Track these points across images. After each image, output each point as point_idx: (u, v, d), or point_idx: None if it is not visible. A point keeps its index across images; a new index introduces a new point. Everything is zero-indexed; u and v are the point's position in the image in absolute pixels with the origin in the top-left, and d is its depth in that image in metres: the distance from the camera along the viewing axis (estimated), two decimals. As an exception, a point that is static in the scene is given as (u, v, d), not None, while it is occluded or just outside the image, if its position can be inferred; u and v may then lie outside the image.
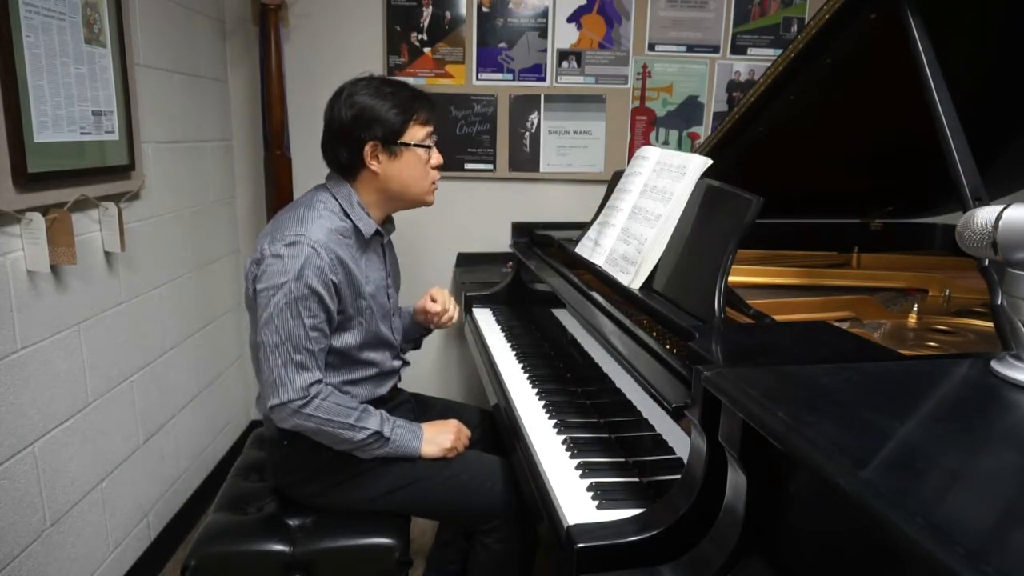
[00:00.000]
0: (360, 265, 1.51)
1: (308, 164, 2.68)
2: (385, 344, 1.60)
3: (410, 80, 2.77)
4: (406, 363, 1.72)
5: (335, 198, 1.51)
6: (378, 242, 1.60)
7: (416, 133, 1.51)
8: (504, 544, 1.52)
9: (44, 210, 1.53)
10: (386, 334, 1.59)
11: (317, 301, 1.39)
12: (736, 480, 0.89)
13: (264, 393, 1.44)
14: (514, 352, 1.88)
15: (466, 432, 1.59)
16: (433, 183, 1.57)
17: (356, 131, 1.47)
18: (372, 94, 1.48)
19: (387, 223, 1.63)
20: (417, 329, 1.82)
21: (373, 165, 1.49)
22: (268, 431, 1.58)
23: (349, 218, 1.50)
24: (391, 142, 1.48)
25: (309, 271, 1.38)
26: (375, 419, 1.46)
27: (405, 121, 1.49)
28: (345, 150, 1.50)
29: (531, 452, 1.33)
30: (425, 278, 2.83)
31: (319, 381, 1.41)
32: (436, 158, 1.55)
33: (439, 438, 1.53)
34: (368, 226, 1.52)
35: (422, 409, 1.78)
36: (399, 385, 1.73)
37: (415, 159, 1.51)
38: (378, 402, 1.59)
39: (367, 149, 1.48)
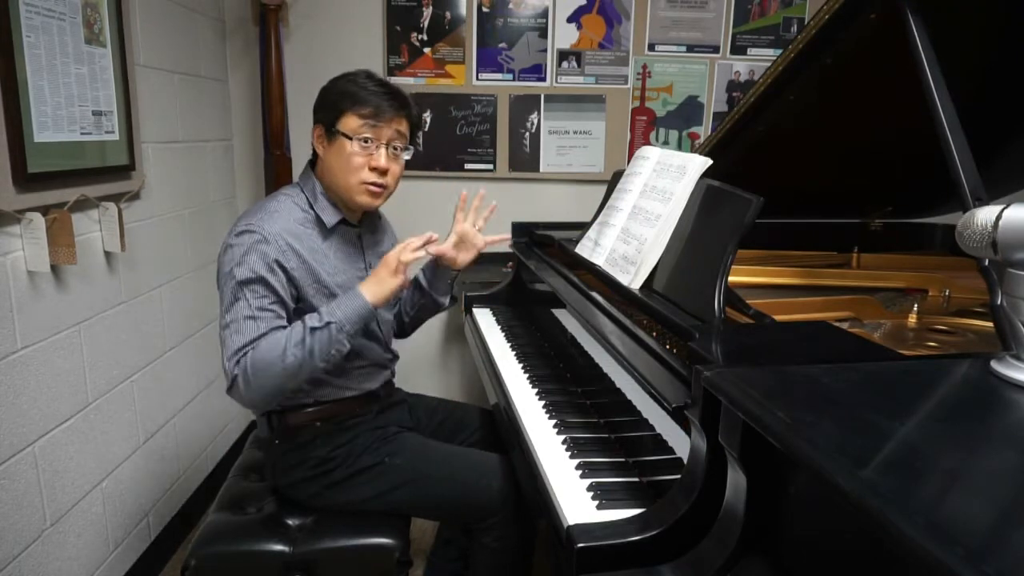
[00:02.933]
0: (327, 255, 1.50)
1: (308, 164, 2.69)
2: (367, 335, 1.57)
3: (410, 80, 2.79)
4: (395, 356, 1.71)
5: (302, 191, 1.53)
6: (350, 232, 1.58)
7: (351, 123, 1.45)
8: (502, 542, 1.52)
9: (44, 210, 1.53)
10: (373, 323, 1.57)
11: (262, 284, 1.38)
12: (736, 480, 0.89)
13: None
14: (514, 352, 1.88)
15: (405, 245, 1.44)
16: (365, 183, 1.48)
17: (314, 112, 1.52)
18: (345, 81, 1.49)
19: (366, 217, 1.62)
20: (441, 277, 1.72)
21: (319, 148, 1.52)
22: (260, 431, 1.59)
23: (312, 209, 1.51)
24: (329, 127, 1.48)
25: (253, 256, 1.38)
26: (298, 328, 1.36)
27: (343, 109, 1.46)
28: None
29: (531, 452, 1.33)
30: (425, 278, 2.83)
31: (247, 345, 1.36)
32: (376, 160, 1.47)
33: (379, 277, 1.43)
34: (331, 216, 1.52)
35: (423, 410, 1.78)
36: (396, 385, 1.73)
37: (343, 149, 1.47)
38: (371, 399, 1.59)
39: (314, 132, 1.51)
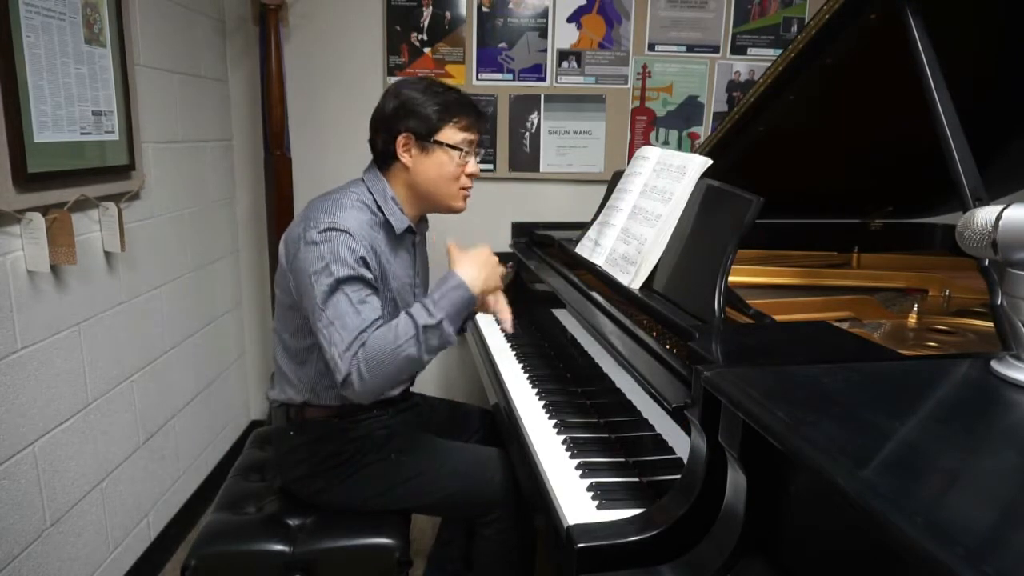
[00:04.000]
0: (390, 259, 1.51)
1: (308, 164, 2.69)
2: None
3: (410, 80, 2.79)
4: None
5: (370, 191, 1.52)
6: (409, 240, 1.59)
7: (452, 134, 1.49)
8: (505, 534, 1.52)
9: (44, 210, 1.53)
10: None
11: (360, 280, 1.39)
12: (736, 480, 0.89)
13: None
14: (514, 352, 1.88)
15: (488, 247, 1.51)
16: (463, 190, 1.55)
17: (395, 121, 1.49)
18: (420, 90, 1.50)
19: (421, 222, 1.63)
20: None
21: (405, 158, 1.50)
22: (276, 422, 1.59)
23: (381, 212, 1.51)
24: (425, 138, 1.48)
25: (346, 254, 1.38)
26: (408, 323, 1.36)
27: (442, 120, 1.48)
28: (382, 139, 1.51)
29: (531, 452, 1.33)
30: (425, 278, 2.83)
31: (356, 339, 1.36)
32: (472, 167, 1.54)
33: (484, 264, 1.46)
34: (400, 222, 1.52)
35: (424, 410, 1.79)
36: (411, 388, 1.73)
37: (446, 159, 1.50)
38: (388, 404, 1.59)
39: (400, 140, 1.49)
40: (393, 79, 2.77)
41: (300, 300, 1.42)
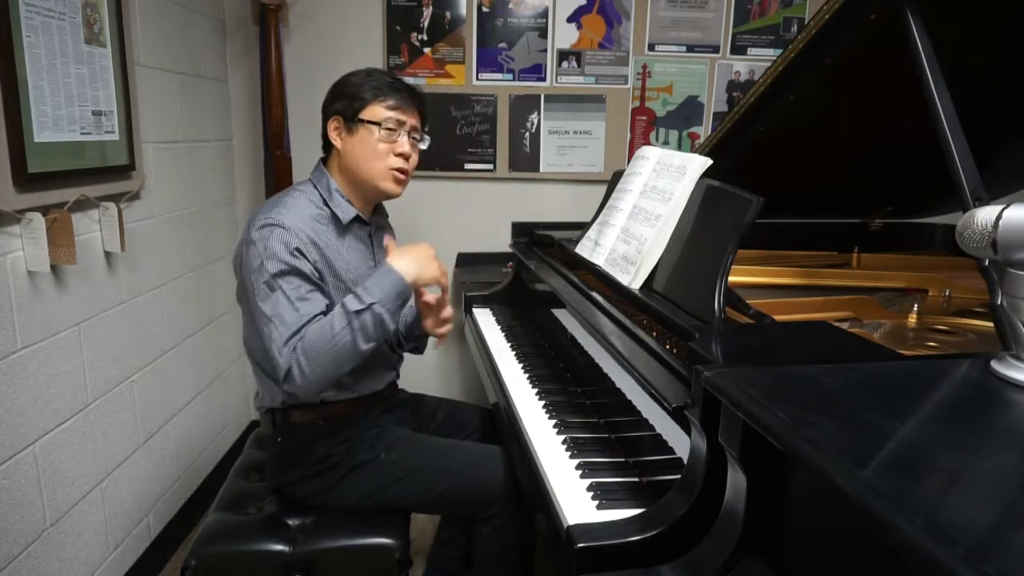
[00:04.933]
0: (340, 251, 1.51)
1: (308, 164, 2.67)
2: None
3: (410, 80, 2.78)
4: (400, 357, 1.71)
5: (315, 187, 1.54)
6: (363, 231, 1.59)
7: (376, 111, 1.50)
8: (504, 531, 1.52)
9: (44, 210, 1.53)
10: None
11: (296, 274, 1.40)
12: (736, 480, 0.89)
13: (268, 381, 1.47)
14: (514, 352, 1.88)
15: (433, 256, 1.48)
16: (392, 169, 1.52)
17: (327, 105, 1.53)
18: (361, 75, 1.52)
19: (375, 213, 1.64)
20: (419, 327, 1.76)
21: (336, 141, 1.53)
22: (264, 429, 1.59)
23: (327, 206, 1.52)
24: (350, 118, 1.50)
25: (279, 248, 1.39)
26: (340, 313, 1.36)
27: (366, 99, 1.50)
28: (323, 128, 1.55)
29: (531, 452, 1.33)
30: (425, 278, 2.83)
31: (294, 335, 1.37)
32: (401, 146, 1.52)
33: (417, 255, 1.45)
34: (346, 212, 1.53)
35: (424, 410, 1.79)
36: (400, 385, 1.73)
37: (368, 136, 1.50)
38: (376, 399, 1.59)
39: (331, 124, 1.52)
40: (393, 79, 2.78)
41: (247, 301, 1.44)
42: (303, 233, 1.43)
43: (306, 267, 1.41)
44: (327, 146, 1.57)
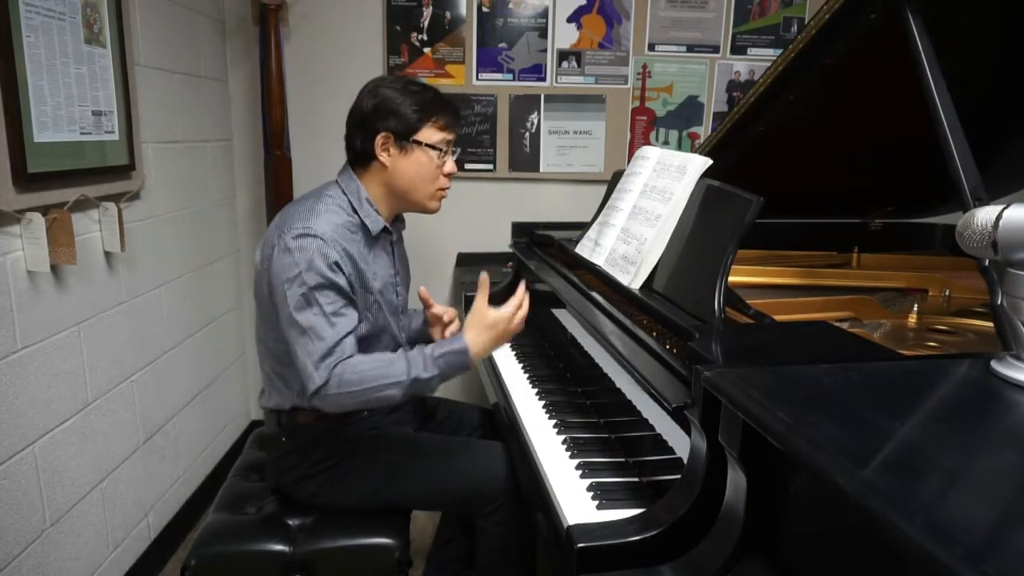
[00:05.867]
0: (368, 260, 1.51)
1: (308, 164, 2.69)
2: (392, 340, 1.60)
3: (410, 80, 2.79)
4: None
5: (344, 193, 1.52)
6: (387, 239, 1.59)
7: (431, 134, 1.49)
8: (505, 526, 1.52)
9: (44, 210, 1.53)
10: (394, 330, 1.59)
11: (333, 288, 1.39)
12: (736, 480, 0.89)
13: (281, 388, 1.48)
14: (514, 352, 1.88)
15: (511, 316, 1.45)
16: (440, 190, 1.55)
17: (373, 120, 1.48)
18: (398, 89, 1.49)
19: (397, 221, 1.63)
20: (425, 334, 1.77)
21: (383, 157, 1.49)
22: (268, 428, 1.59)
23: (357, 214, 1.50)
24: (404, 137, 1.48)
25: (319, 261, 1.38)
26: (402, 368, 1.38)
27: (422, 119, 1.48)
28: (359, 138, 1.51)
29: (531, 452, 1.33)
30: (425, 278, 2.83)
31: (341, 360, 1.38)
32: (450, 166, 1.54)
33: (495, 333, 1.44)
34: (376, 223, 1.52)
35: (423, 409, 1.79)
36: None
37: (425, 159, 1.50)
38: None
39: (379, 139, 1.48)
40: (393, 79, 2.78)
41: (275, 307, 1.43)
42: (339, 245, 1.42)
43: (343, 281, 1.41)
44: (362, 154, 1.52)
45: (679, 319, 1.18)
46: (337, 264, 1.40)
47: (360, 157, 1.52)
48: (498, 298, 2.30)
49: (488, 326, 1.44)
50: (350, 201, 1.51)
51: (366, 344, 1.53)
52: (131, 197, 1.93)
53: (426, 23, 2.74)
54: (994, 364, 0.89)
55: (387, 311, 1.56)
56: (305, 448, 1.51)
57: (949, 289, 1.67)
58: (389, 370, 1.37)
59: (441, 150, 1.51)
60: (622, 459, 1.28)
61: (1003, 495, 0.65)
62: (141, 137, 1.96)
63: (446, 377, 1.42)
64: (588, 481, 1.19)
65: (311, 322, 1.37)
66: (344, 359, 1.37)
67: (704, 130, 2.88)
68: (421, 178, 1.51)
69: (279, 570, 1.44)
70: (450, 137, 1.53)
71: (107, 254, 1.84)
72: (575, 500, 1.14)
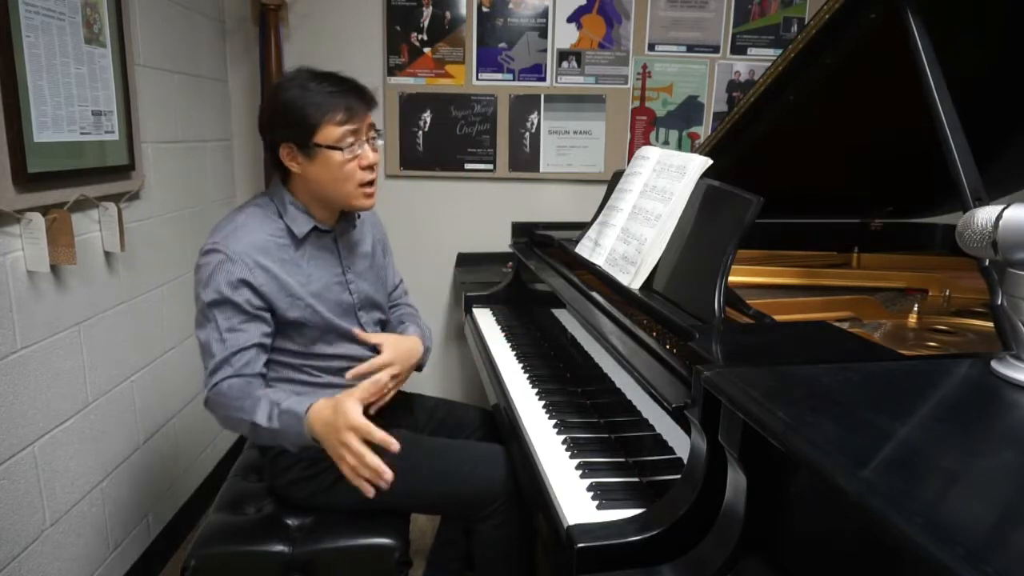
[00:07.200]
0: (299, 265, 1.49)
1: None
2: (348, 336, 1.56)
3: (410, 80, 2.80)
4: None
5: (272, 200, 1.51)
6: (325, 239, 1.55)
7: (330, 133, 1.41)
8: (504, 528, 1.52)
9: (44, 210, 1.53)
10: (345, 327, 1.55)
11: (229, 305, 1.40)
12: (736, 480, 0.89)
13: None
14: (514, 352, 1.88)
15: (353, 444, 1.29)
16: (362, 185, 1.47)
17: (272, 131, 1.45)
18: (296, 90, 1.42)
19: (341, 219, 1.58)
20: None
21: (293, 167, 1.45)
22: None
23: (283, 219, 1.49)
24: (304, 144, 1.42)
25: (219, 277, 1.39)
26: (253, 407, 1.35)
27: (318, 120, 1.40)
28: (268, 150, 1.48)
29: (531, 452, 1.33)
30: (425, 278, 2.83)
31: (226, 377, 1.39)
32: (366, 158, 1.45)
33: (328, 438, 1.32)
34: (302, 226, 1.49)
35: (422, 410, 1.78)
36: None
37: (331, 161, 1.43)
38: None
39: (282, 151, 1.44)
40: (393, 79, 2.78)
41: None
42: (249, 259, 1.41)
43: (242, 298, 1.40)
44: (277, 164, 1.48)
45: (679, 319, 1.18)
46: (242, 280, 1.40)
47: (279, 166, 1.49)
48: (499, 297, 2.32)
49: (341, 417, 1.29)
50: (277, 208, 1.50)
51: (321, 344, 1.52)
52: (131, 197, 1.93)
53: (426, 23, 2.74)
54: (994, 364, 0.89)
55: (333, 311, 1.53)
56: (295, 451, 1.51)
57: (949, 289, 1.67)
58: (245, 405, 1.37)
59: (343, 148, 1.42)
60: (622, 459, 1.28)
61: (1003, 495, 0.65)
62: (141, 137, 1.96)
63: (290, 440, 1.37)
64: (588, 481, 1.19)
65: (205, 337, 1.41)
66: (227, 378, 1.39)
67: (704, 130, 2.88)
68: (335, 180, 1.45)
69: (279, 570, 1.44)
70: (353, 127, 1.42)
71: (107, 254, 1.84)
72: (575, 500, 1.14)
